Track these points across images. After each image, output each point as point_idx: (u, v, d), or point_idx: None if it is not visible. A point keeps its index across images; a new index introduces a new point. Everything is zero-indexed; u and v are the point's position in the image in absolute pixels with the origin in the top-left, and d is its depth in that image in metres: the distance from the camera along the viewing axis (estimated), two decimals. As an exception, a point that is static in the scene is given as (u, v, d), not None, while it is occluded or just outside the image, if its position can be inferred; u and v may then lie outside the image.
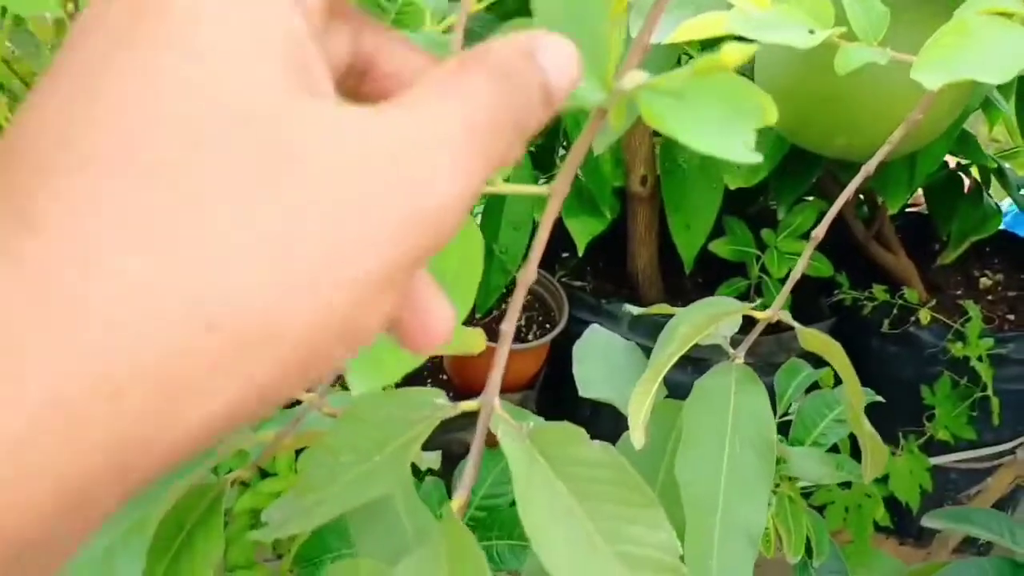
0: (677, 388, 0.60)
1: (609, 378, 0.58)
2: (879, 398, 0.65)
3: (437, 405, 0.35)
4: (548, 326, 0.94)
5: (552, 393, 0.97)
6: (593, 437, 0.67)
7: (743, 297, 1.00)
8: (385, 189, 0.16)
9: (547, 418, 0.96)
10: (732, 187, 0.89)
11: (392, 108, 0.17)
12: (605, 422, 0.57)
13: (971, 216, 1.01)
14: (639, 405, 0.40)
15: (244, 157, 0.15)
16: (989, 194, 1.05)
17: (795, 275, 0.49)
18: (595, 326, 0.63)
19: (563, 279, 1.06)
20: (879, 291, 0.99)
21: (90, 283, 0.14)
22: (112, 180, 0.15)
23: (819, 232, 0.48)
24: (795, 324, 0.49)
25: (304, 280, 0.15)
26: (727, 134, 0.28)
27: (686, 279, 1.08)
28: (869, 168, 0.47)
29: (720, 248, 0.94)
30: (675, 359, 0.44)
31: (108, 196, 0.14)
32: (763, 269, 0.95)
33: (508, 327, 0.34)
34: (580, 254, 0.89)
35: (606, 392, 0.56)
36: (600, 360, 0.59)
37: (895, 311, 0.99)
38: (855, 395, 0.49)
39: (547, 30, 0.26)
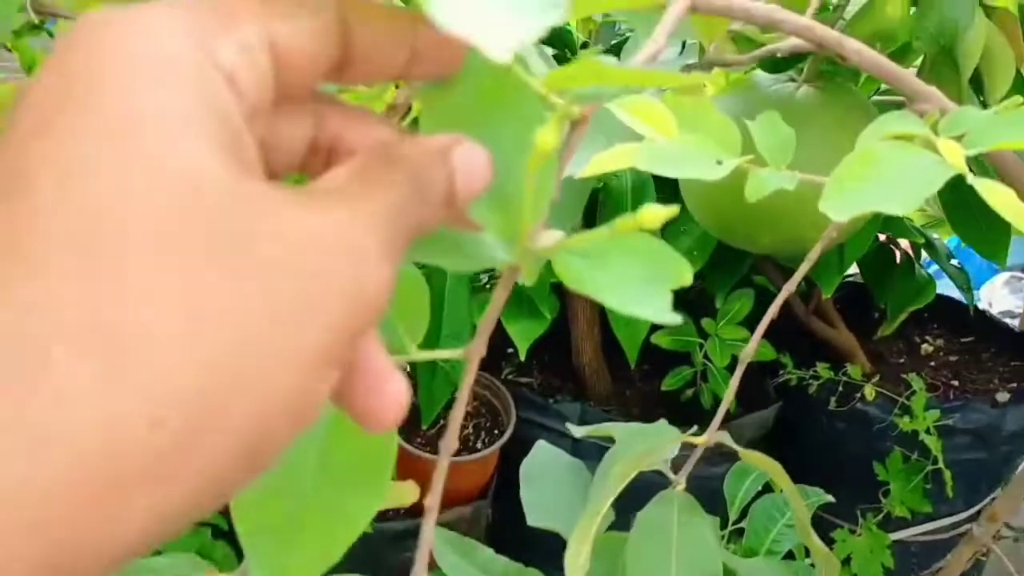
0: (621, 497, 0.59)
1: (555, 504, 0.56)
2: (829, 498, 0.64)
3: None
4: (496, 431, 0.93)
5: (506, 502, 0.95)
6: (549, 549, 0.65)
7: (690, 384, 1.00)
8: (324, 274, 0.17)
9: (502, 529, 0.94)
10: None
11: (323, 194, 0.19)
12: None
13: (906, 288, 1.03)
14: (576, 557, 0.39)
15: (187, 246, 0.15)
16: (920, 264, 1.07)
17: (729, 396, 0.48)
18: (541, 442, 0.62)
19: (509, 376, 1.05)
20: (823, 369, 1.00)
21: (33, 387, 0.14)
22: (56, 283, 0.15)
23: (749, 350, 0.47)
24: (735, 447, 0.48)
25: (249, 370, 0.16)
26: (645, 295, 0.28)
27: (632, 369, 1.07)
28: (790, 288, 0.47)
29: (662, 340, 0.94)
30: (611, 499, 0.42)
31: (52, 300, 0.15)
32: (707, 355, 0.96)
33: (432, 501, 0.32)
34: (522, 358, 0.88)
35: (552, 520, 0.54)
36: (547, 482, 0.58)
37: (840, 388, 0.99)
38: (799, 510, 0.49)
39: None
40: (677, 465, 0.50)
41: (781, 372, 1.01)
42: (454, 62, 0.24)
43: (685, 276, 0.29)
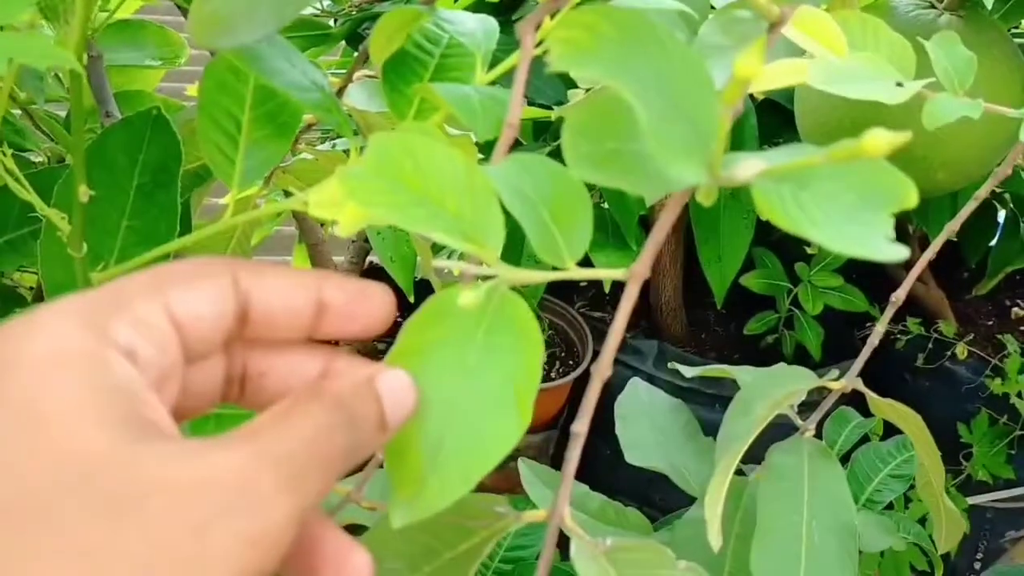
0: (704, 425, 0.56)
1: (657, 444, 0.54)
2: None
3: (498, 514, 0.31)
4: (571, 362, 0.91)
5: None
6: (618, 479, 0.62)
7: (773, 331, 0.96)
8: (218, 519, 0.18)
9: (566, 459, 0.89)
10: (764, 218, 0.85)
11: (230, 437, 0.20)
12: (631, 467, 0.53)
13: (1007, 247, 0.98)
14: (715, 503, 0.36)
15: (79, 517, 0.17)
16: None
17: (873, 339, 0.45)
18: (635, 379, 0.59)
19: (582, 310, 1.02)
20: (913, 324, 0.96)
21: None
22: None
23: (900, 295, 0.44)
24: (868, 393, 0.45)
25: None
26: (862, 227, 0.24)
27: (709, 311, 1.04)
28: (952, 228, 0.43)
29: (751, 282, 0.91)
30: (749, 442, 0.40)
31: None
32: (795, 302, 0.92)
33: (579, 427, 0.30)
34: (607, 290, 0.85)
35: (656, 460, 0.52)
36: (644, 421, 0.56)
37: (930, 345, 0.95)
38: (935, 470, 0.46)
39: (645, 107, 0.23)
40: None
41: (868, 325, 0.97)
42: (369, 319, 0.26)
43: (909, 197, 0.25)
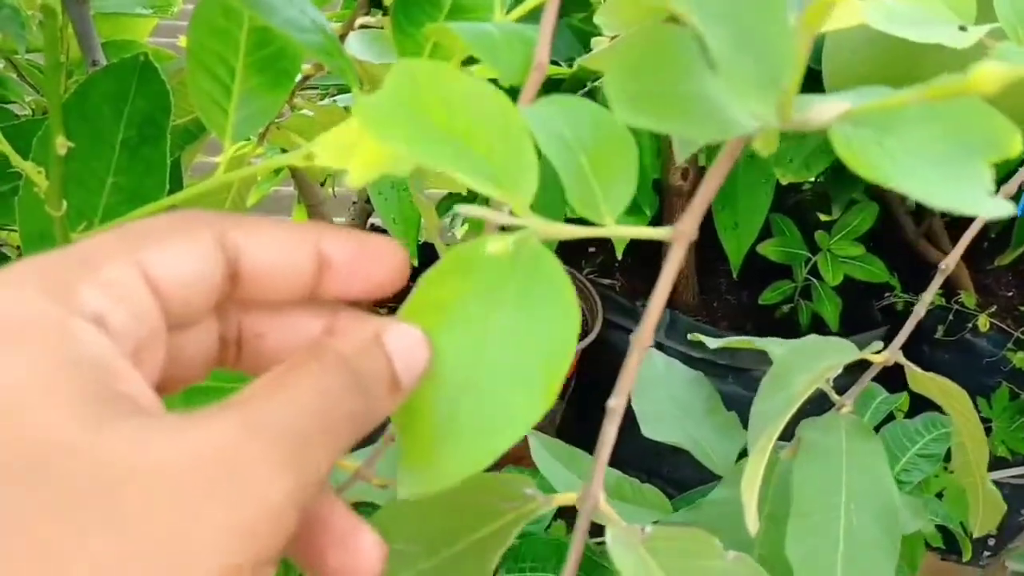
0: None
1: (675, 418, 0.51)
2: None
3: (526, 496, 0.28)
4: (581, 331, 0.87)
5: (584, 400, 0.91)
6: (625, 450, 0.60)
7: (788, 301, 0.93)
8: (202, 508, 0.16)
9: (575, 430, 0.88)
10: (784, 182, 0.82)
11: (217, 409, 0.17)
12: (638, 438, 0.50)
13: (1033, 215, 0.94)
14: (752, 485, 0.33)
15: (31, 521, 0.15)
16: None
17: (919, 309, 0.42)
18: (652, 351, 0.56)
19: (590, 276, 0.99)
20: (934, 296, 0.92)
21: None
22: None
23: (949, 263, 0.41)
24: (909, 365, 0.42)
25: None
26: (958, 177, 0.21)
27: (721, 278, 1.01)
28: (1008, 190, 0.40)
29: (769, 250, 0.87)
30: (787, 417, 0.37)
31: None
32: (813, 271, 0.89)
33: (617, 402, 0.27)
34: (619, 256, 0.82)
35: (674, 435, 0.49)
36: (662, 394, 0.53)
37: (950, 317, 0.92)
38: (978, 452, 0.43)
39: (710, 33, 0.19)
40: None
41: (887, 295, 0.94)
42: (378, 276, 0.23)
43: (1012, 144, 0.22)
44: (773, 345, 0.45)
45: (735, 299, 1.00)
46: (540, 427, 0.91)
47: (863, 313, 0.92)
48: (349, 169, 0.27)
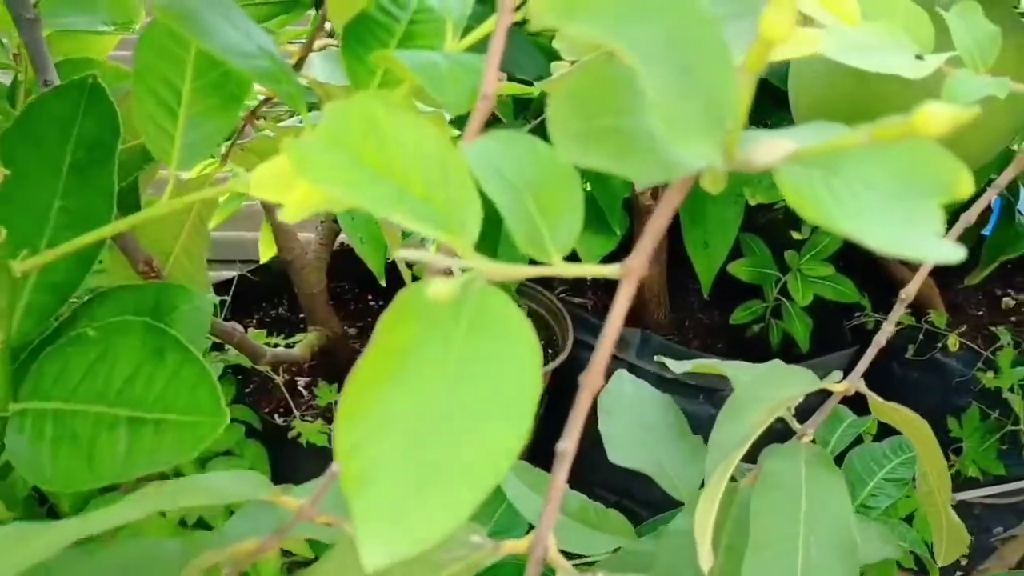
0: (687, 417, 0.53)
1: (642, 442, 0.50)
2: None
3: (472, 544, 0.28)
4: (551, 351, 0.87)
5: (554, 422, 0.90)
6: (595, 470, 0.58)
7: (759, 320, 0.93)
8: None
9: (545, 450, 0.86)
10: (753, 203, 0.82)
11: None
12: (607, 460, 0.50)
13: (1002, 236, 0.95)
14: (706, 518, 0.33)
15: None
16: (1019, 211, 0.98)
17: (880, 338, 0.42)
18: (622, 372, 0.56)
19: (562, 295, 0.98)
20: (903, 315, 0.93)
21: None
22: None
23: (910, 292, 0.40)
24: (872, 396, 0.42)
25: None
26: (907, 220, 0.21)
27: (693, 297, 1.01)
28: (969, 218, 0.40)
29: (739, 270, 0.87)
30: (745, 449, 0.36)
31: None
32: (783, 291, 0.88)
33: (567, 445, 0.26)
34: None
35: (640, 461, 0.49)
36: (630, 417, 0.52)
37: (920, 336, 0.92)
38: (940, 480, 0.42)
39: (648, 73, 0.19)
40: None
41: (858, 314, 0.94)
42: None
43: (962, 185, 0.22)
44: (737, 370, 0.45)
45: (707, 318, 0.99)
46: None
47: (834, 332, 0.92)
48: (284, 205, 0.26)
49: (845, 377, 0.92)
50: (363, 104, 0.24)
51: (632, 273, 0.26)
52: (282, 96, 0.34)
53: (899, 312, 0.40)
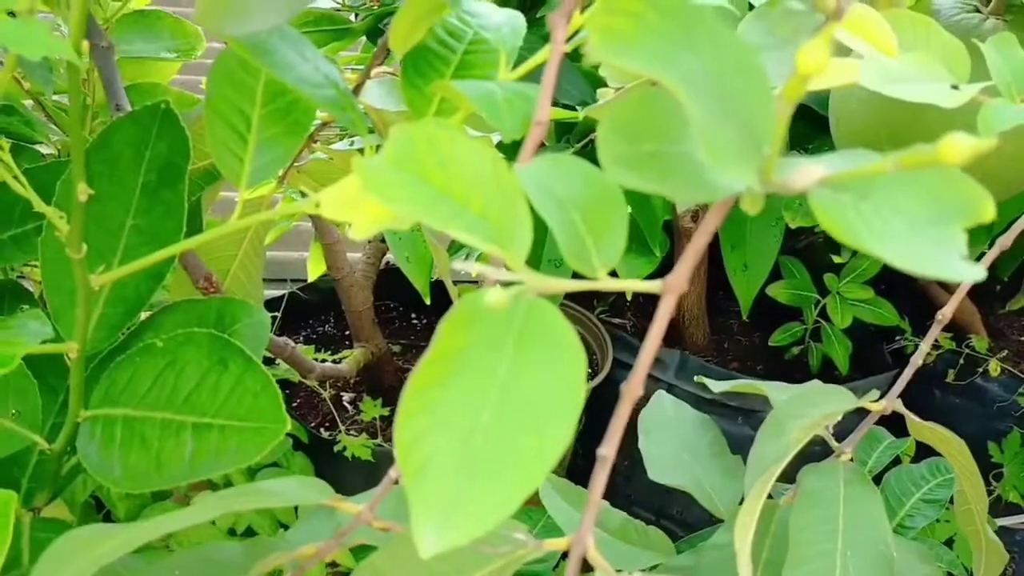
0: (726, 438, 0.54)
1: (681, 461, 0.51)
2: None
3: (516, 540, 0.29)
4: (590, 371, 0.88)
5: (592, 441, 0.91)
6: (635, 489, 0.59)
7: (799, 343, 0.93)
8: None
9: (584, 470, 0.89)
10: (793, 226, 0.83)
11: None
12: (646, 475, 0.51)
13: (1044, 261, 0.94)
14: (745, 532, 0.34)
15: None
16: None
17: (916, 359, 0.43)
18: (661, 392, 0.57)
19: (602, 316, 0.99)
20: (944, 339, 0.93)
21: None
22: None
23: (946, 313, 0.41)
24: (909, 415, 0.43)
25: None
26: (931, 242, 0.22)
27: (732, 319, 1.01)
28: (1004, 243, 0.41)
29: (778, 292, 0.88)
30: (784, 465, 0.37)
31: None
32: (823, 313, 0.89)
33: (607, 450, 0.28)
34: (629, 297, 0.83)
35: (679, 478, 0.50)
36: (669, 436, 0.53)
37: (961, 361, 0.92)
38: (977, 498, 0.43)
39: (693, 103, 0.20)
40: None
41: (898, 338, 0.94)
42: None
43: (984, 210, 0.23)
44: (775, 391, 0.46)
45: (747, 340, 1.00)
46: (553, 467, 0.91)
47: (873, 356, 0.92)
48: (353, 223, 0.28)
49: (883, 398, 0.92)
50: (425, 128, 0.26)
51: (672, 289, 0.28)
52: (345, 123, 0.36)
53: (936, 333, 0.41)
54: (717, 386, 0.49)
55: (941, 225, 0.22)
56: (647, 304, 1.03)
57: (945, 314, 0.41)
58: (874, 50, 0.37)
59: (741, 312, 0.86)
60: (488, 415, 0.25)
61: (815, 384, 0.45)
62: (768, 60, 0.36)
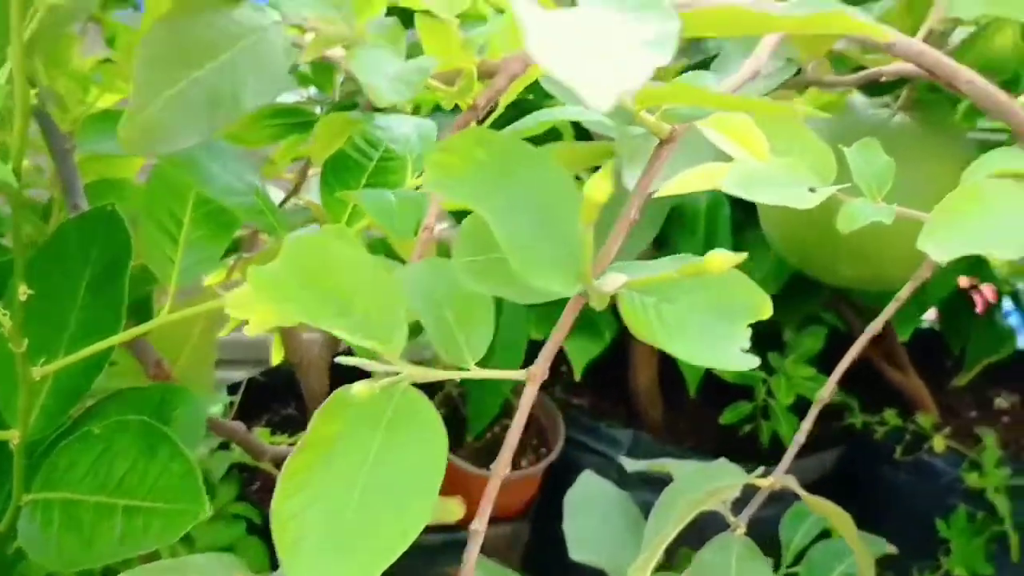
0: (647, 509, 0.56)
1: (602, 539, 0.54)
2: (892, 548, 0.60)
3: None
4: (543, 450, 0.90)
5: (547, 523, 0.93)
6: (576, 565, 0.61)
7: (749, 420, 0.96)
8: None
9: (539, 552, 0.90)
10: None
11: None
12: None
13: (985, 338, 0.98)
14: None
15: None
16: (1001, 314, 1.02)
17: (796, 441, 0.46)
18: (588, 472, 0.60)
19: (558, 395, 1.02)
20: (890, 415, 0.95)
21: None
22: None
23: (825, 393, 0.44)
24: (800, 491, 0.46)
25: None
26: (720, 339, 0.26)
27: (687, 397, 1.04)
28: (875, 328, 0.44)
29: (725, 372, 0.91)
30: (670, 539, 0.40)
31: None
32: (770, 391, 0.92)
33: (479, 526, 0.31)
34: (578, 378, 0.86)
35: (598, 556, 0.52)
36: (593, 515, 0.56)
37: (907, 437, 0.95)
38: (863, 562, 0.46)
39: (503, 228, 0.24)
40: (734, 505, 0.48)
41: (846, 415, 0.97)
42: None
43: (763, 309, 0.27)
44: (680, 467, 0.49)
45: (701, 418, 1.03)
46: (506, 547, 0.93)
47: (821, 433, 0.94)
48: (250, 321, 0.31)
49: (826, 476, 0.94)
50: (316, 238, 0.30)
51: (534, 378, 0.31)
52: (265, 228, 0.39)
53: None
54: (631, 465, 0.52)
55: (729, 323, 0.25)
56: (603, 384, 1.05)
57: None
58: (746, 154, 0.41)
59: (690, 391, 0.89)
60: (358, 494, 0.28)
61: (719, 462, 0.48)
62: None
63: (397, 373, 0.28)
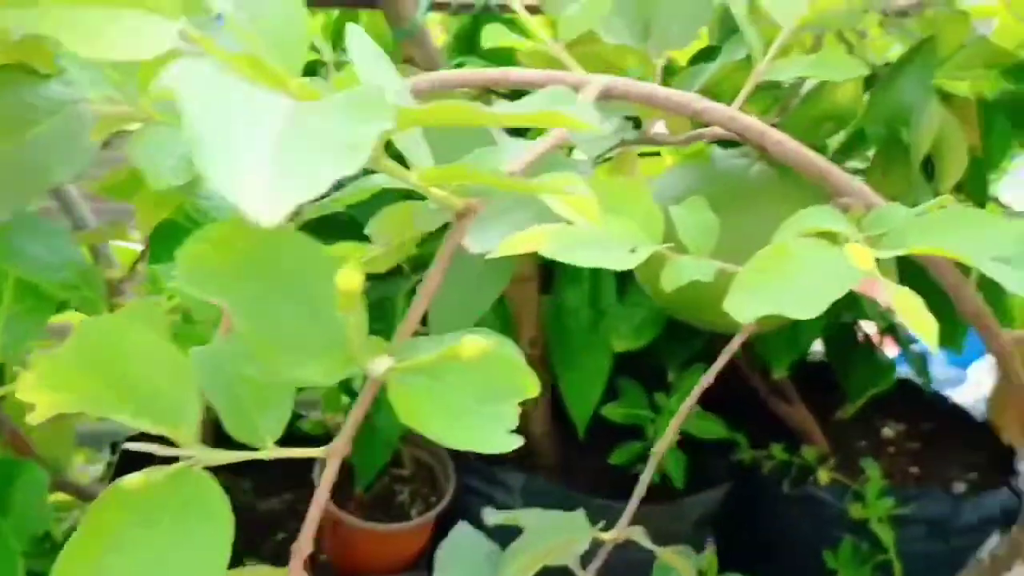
0: None
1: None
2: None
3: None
4: (434, 498, 0.90)
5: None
6: None
7: (641, 459, 0.97)
8: None
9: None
10: (618, 350, 0.88)
11: None
12: None
13: (865, 371, 1.01)
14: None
15: None
16: (878, 348, 1.05)
17: (641, 485, 0.46)
18: (461, 524, 0.59)
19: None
20: (777, 450, 0.97)
21: None
22: None
23: (669, 434, 0.45)
24: (648, 545, 0.46)
25: None
26: (487, 419, 0.26)
27: (582, 439, 1.05)
28: (716, 367, 0.45)
29: (613, 413, 0.92)
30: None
31: None
32: (658, 430, 0.93)
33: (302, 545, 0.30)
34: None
35: (458, 612, 0.52)
36: (460, 569, 0.55)
37: (794, 470, 0.97)
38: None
39: (246, 324, 0.24)
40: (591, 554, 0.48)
41: (735, 450, 0.98)
42: None
43: (530, 388, 0.27)
44: (530, 518, 0.49)
45: (597, 458, 1.03)
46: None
47: (710, 470, 0.96)
48: (36, 407, 0.31)
49: (716, 512, 0.95)
50: (107, 321, 0.29)
51: (334, 454, 0.31)
52: (79, 301, 0.39)
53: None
54: (491, 517, 0.52)
55: (495, 403, 0.25)
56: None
57: (660, 447, 0.44)
58: (578, 217, 0.42)
59: (579, 433, 0.90)
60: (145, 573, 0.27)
61: (573, 513, 0.48)
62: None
63: (190, 456, 0.28)
